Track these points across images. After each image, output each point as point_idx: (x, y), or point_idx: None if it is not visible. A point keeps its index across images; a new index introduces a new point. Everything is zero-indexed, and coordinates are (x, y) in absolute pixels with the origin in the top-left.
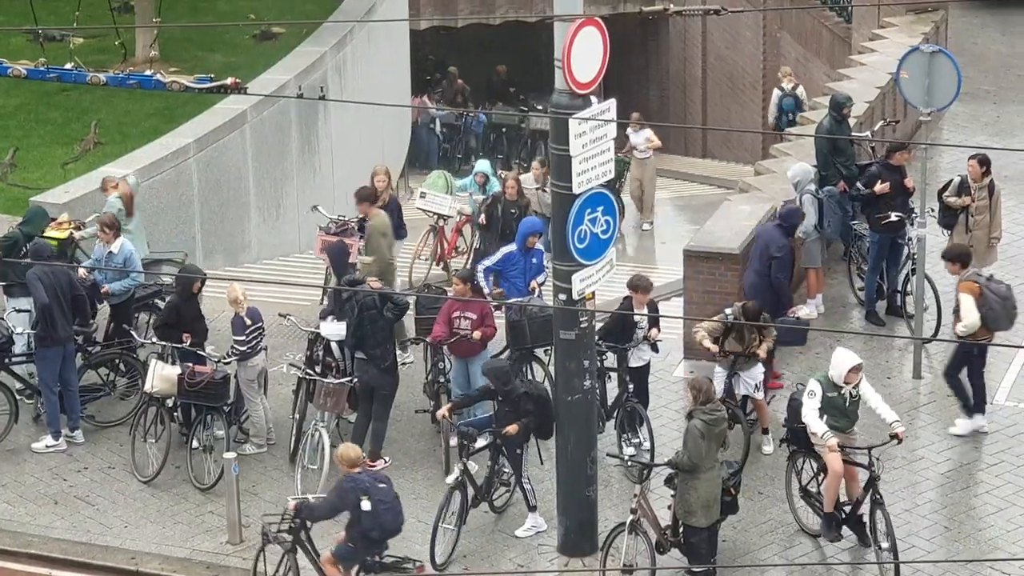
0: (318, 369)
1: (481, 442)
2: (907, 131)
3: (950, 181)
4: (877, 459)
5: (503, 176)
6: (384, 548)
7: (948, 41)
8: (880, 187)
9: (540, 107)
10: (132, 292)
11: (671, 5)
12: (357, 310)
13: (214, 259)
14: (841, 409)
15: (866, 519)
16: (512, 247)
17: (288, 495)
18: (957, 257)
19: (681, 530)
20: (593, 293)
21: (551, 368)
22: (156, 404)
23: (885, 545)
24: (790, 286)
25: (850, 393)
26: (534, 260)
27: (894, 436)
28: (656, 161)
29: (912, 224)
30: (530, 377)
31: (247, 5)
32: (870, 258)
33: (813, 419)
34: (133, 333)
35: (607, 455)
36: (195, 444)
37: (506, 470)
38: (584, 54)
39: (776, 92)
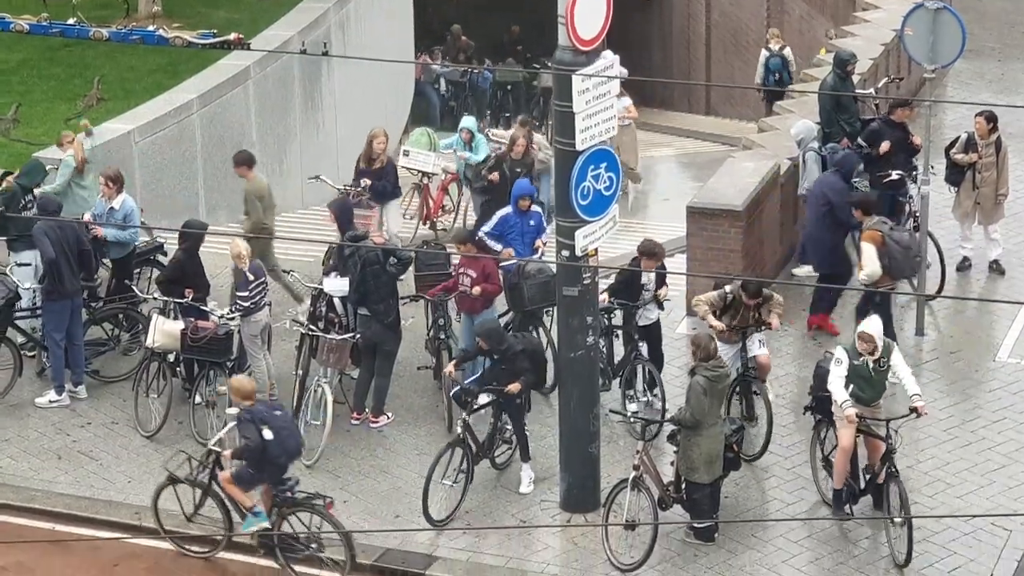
0: (321, 325)
1: (483, 399)
2: (911, 88)
3: (957, 138)
4: (895, 431)
5: (508, 135)
6: (292, 480)
7: None
8: (883, 147)
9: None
10: (132, 248)
11: None
12: (360, 266)
13: (217, 215)
14: (867, 379)
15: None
16: (508, 209)
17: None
18: (859, 204)
19: (684, 486)
20: (596, 250)
21: (553, 333)
22: (158, 359)
23: (898, 520)
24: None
25: (877, 363)
26: (531, 222)
27: (913, 410)
28: (635, 131)
29: (915, 182)
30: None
31: None
32: None
33: (837, 387)
34: (135, 288)
35: (610, 411)
36: (198, 399)
37: (508, 427)
38: (587, 10)
39: (763, 52)
